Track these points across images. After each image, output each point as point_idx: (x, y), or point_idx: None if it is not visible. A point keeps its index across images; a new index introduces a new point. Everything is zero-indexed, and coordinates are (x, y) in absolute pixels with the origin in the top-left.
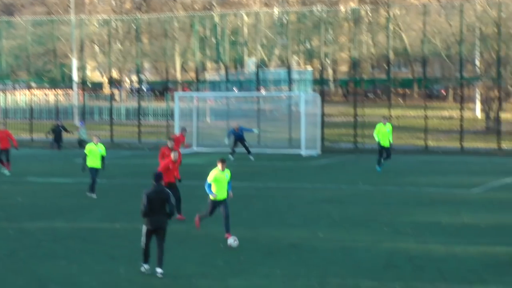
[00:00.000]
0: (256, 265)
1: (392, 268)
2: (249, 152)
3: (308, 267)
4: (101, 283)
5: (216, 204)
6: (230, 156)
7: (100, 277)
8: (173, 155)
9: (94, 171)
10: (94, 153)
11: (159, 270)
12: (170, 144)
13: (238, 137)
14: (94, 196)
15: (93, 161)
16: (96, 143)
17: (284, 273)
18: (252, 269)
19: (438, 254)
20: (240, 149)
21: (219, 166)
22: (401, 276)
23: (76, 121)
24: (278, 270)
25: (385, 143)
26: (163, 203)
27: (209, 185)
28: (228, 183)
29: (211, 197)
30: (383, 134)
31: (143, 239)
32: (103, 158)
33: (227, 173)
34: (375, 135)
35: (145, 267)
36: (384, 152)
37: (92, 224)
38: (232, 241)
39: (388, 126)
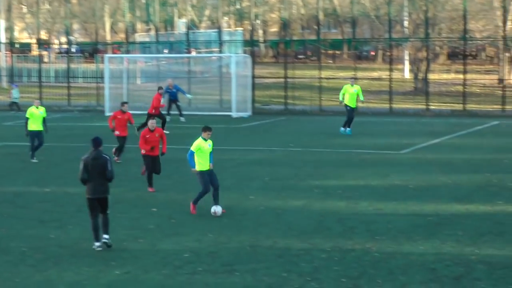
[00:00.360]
0: (188, 228)
1: (323, 230)
2: (181, 114)
3: (240, 230)
4: (31, 248)
5: (205, 174)
6: (167, 117)
7: (30, 242)
8: (150, 124)
9: (36, 133)
10: (36, 116)
11: (105, 236)
12: (124, 108)
13: (172, 96)
14: (35, 160)
15: (36, 125)
16: (37, 106)
17: (215, 236)
18: (183, 232)
19: (368, 215)
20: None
21: (204, 134)
22: (331, 237)
23: (4, 83)
24: (210, 234)
25: (352, 104)
26: (102, 170)
27: (192, 154)
28: (210, 153)
29: (194, 170)
30: (350, 95)
31: (89, 213)
32: (44, 120)
33: (210, 143)
34: (340, 95)
35: (96, 244)
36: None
37: (20, 188)
38: (218, 209)
39: (356, 87)
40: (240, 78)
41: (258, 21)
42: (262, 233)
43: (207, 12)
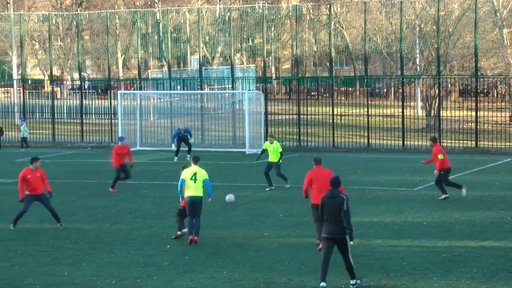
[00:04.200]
0: (202, 265)
1: (337, 267)
2: (189, 151)
3: (254, 267)
4: (45, 286)
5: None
6: (175, 158)
7: (43, 279)
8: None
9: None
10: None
11: (352, 282)
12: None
13: (183, 138)
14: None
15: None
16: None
17: (229, 273)
18: (197, 270)
19: (382, 252)
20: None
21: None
22: (346, 274)
23: (17, 120)
24: (224, 270)
25: (273, 159)
26: (338, 209)
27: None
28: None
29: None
30: (271, 152)
31: (324, 254)
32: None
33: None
34: (260, 151)
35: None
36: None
37: (33, 225)
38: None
39: (275, 144)
40: (253, 115)
41: (270, 58)
42: (277, 270)
43: (219, 49)
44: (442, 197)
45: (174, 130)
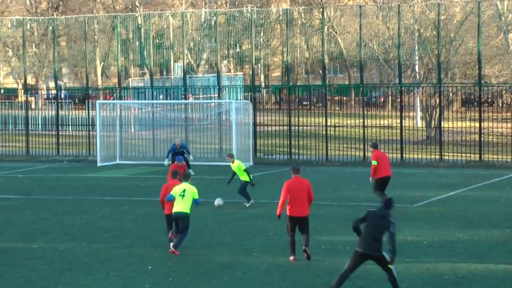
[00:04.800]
0: (186, 287)
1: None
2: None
3: None
4: None
5: None
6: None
7: None
8: None
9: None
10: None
11: None
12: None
13: (178, 154)
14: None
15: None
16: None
17: None
18: None
19: (380, 273)
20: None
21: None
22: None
23: None
24: None
25: (244, 179)
26: (381, 229)
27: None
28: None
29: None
30: (237, 172)
31: (347, 266)
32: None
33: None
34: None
35: None
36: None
37: (6, 244)
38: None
39: (235, 163)
40: (240, 126)
41: (259, 65)
42: None
43: (205, 56)
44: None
45: (157, 141)
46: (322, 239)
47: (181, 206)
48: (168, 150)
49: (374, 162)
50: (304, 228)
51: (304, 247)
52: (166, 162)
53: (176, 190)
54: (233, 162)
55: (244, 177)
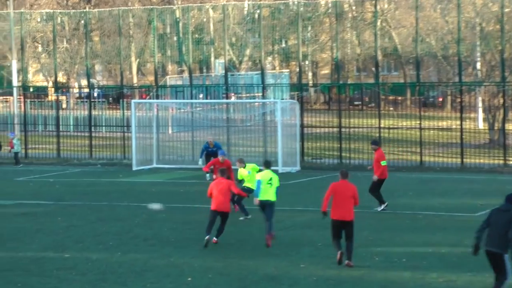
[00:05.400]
0: None
1: None
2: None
3: None
4: None
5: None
6: (207, 176)
7: None
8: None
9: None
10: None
11: None
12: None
13: (213, 153)
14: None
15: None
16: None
17: None
18: None
19: (438, 287)
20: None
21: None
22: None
23: (17, 133)
24: None
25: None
26: (505, 225)
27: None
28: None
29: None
30: (247, 179)
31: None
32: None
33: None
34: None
35: None
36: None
37: (36, 253)
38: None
39: (249, 167)
40: (286, 128)
41: (307, 62)
42: None
43: (248, 52)
44: (381, 207)
45: (197, 144)
46: (375, 250)
47: (269, 194)
48: (202, 149)
49: (384, 162)
50: (349, 234)
51: (347, 261)
52: (200, 162)
53: (265, 178)
54: (245, 167)
55: (250, 185)
